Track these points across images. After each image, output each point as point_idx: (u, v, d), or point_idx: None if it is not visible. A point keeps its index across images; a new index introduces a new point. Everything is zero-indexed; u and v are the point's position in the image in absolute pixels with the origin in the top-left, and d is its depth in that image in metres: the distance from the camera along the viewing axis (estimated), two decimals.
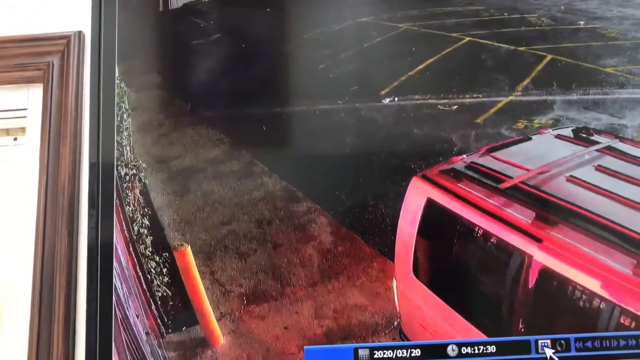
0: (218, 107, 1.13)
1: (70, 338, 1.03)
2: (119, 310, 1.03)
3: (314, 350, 1.00)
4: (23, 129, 1.20)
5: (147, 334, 1.05)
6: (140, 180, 1.09)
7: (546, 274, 0.90)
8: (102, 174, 1.07)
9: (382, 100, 1.11)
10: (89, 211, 1.06)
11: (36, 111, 1.16)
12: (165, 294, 1.05)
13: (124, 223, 1.07)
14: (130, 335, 1.04)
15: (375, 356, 0.99)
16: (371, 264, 1.04)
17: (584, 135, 1.09)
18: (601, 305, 0.87)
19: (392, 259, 1.04)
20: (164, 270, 1.06)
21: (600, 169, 1.03)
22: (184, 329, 1.04)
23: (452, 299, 1.00)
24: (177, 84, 1.16)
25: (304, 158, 1.10)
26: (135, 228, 1.07)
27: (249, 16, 1.19)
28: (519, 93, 1.11)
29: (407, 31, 1.16)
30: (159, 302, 1.05)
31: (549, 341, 0.97)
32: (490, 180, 1.02)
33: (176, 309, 1.05)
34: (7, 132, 1.25)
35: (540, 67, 1.13)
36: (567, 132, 1.10)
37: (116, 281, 1.03)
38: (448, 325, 1.00)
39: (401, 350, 0.99)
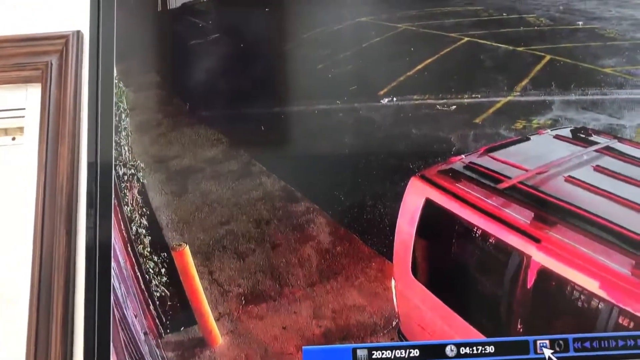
0: (216, 107, 1.13)
1: (68, 338, 1.03)
2: (117, 310, 1.03)
3: (313, 350, 1.00)
4: (21, 129, 1.20)
5: (145, 334, 1.05)
6: (138, 180, 1.09)
7: (545, 274, 0.90)
8: (101, 173, 1.07)
9: (381, 101, 1.11)
10: (87, 211, 1.06)
11: (34, 111, 1.16)
12: (163, 294, 1.05)
13: (122, 223, 1.07)
14: (128, 336, 1.04)
15: (374, 356, 0.99)
16: (370, 264, 1.04)
17: (583, 136, 1.09)
18: (599, 306, 0.87)
19: (391, 259, 1.04)
20: (163, 270, 1.05)
21: (599, 169, 1.03)
22: (182, 329, 1.04)
23: (450, 299, 1.00)
24: (176, 83, 1.16)
25: (302, 158, 1.10)
26: (134, 228, 1.07)
27: (247, 16, 1.19)
28: (518, 93, 1.11)
29: (405, 31, 1.16)
30: (158, 302, 1.05)
31: (547, 341, 0.97)
32: (488, 180, 1.02)
33: (174, 309, 1.04)
34: (6, 131, 1.25)
35: (538, 67, 1.13)
36: (566, 132, 1.10)
37: (114, 281, 1.03)
38: (447, 325, 1.00)
39: (400, 350, 0.99)
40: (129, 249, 1.07)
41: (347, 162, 1.08)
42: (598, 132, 1.09)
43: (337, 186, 1.07)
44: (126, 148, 1.09)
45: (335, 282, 1.03)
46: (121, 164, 1.08)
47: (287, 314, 1.03)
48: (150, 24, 1.18)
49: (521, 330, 0.96)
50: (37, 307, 1.03)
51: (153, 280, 1.05)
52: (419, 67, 1.14)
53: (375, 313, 1.02)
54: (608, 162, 1.04)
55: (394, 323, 1.02)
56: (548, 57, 1.14)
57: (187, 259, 1.05)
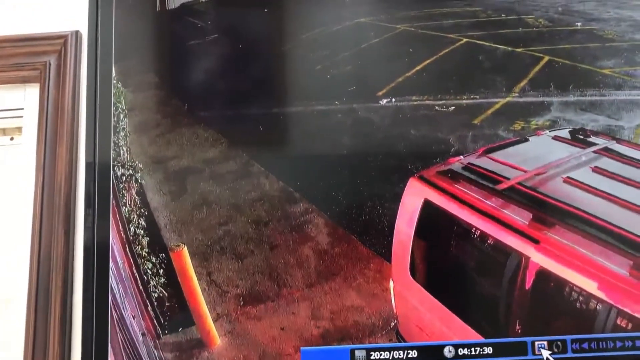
0: (215, 108, 1.13)
1: (66, 338, 1.03)
2: (115, 311, 1.03)
3: (311, 351, 1.00)
4: (19, 129, 1.20)
5: (143, 334, 1.05)
6: (136, 180, 1.09)
7: (543, 275, 0.90)
8: (99, 174, 1.07)
9: (380, 101, 1.11)
10: (85, 211, 1.06)
11: (33, 111, 1.15)
12: (161, 294, 1.05)
13: (120, 223, 1.07)
14: (126, 336, 1.04)
15: (372, 357, 0.99)
16: (368, 265, 1.04)
17: (581, 137, 1.09)
18: (598, 307, 0.87)
19: (389, 260, 1.04)
20: (161, 271, 1.05)
21: (597, 170, 1.03)
22: (180, 330, 1.04)
23: (449, 300, 1.00)
24: (174, 84, 1.15)
25: (301, 159, 1.10)
26: (132, 228, 1.07)
27: (246, 16, 1.19)
28: (516, 94, 1.11)
29: (404, 32, 1.16)
30: (156, 303, 1.05)
31: (545, 342, 0.97)
32: (487, 181, 1.02)
33: (172, 310, 1.04)
34: (4, 131, 1.25)
35: (537, 68, 1.13)
36: (564, 133, 1.10)
37: (112, 282, 1.03)
38: (445, 326, 1.00)
39: (398, 351, 0.99)
40: (127, 249, 1.07)
41: (345, 162, 1.08)
42: (596, 133, 1.10)
43: (336, 187, 1.07)
44: (124, 148, 1.09)
45: (333, 283, 1.03)
46: (119, 164, 1.08)
47: (285, 315, 1.02)
48: (148, 24, 1.17)
49: (519, 331, 0.96)
50: (35, 307, 1.03)
51: (151, 281, 1.05)
52: (418, 68, 1.14)
53: (373, 314, 1.02)
54: (606, 163, 1.05)
55: (392, 324, 1.02)
56: (547, 58, 1.14)
57: (185, 260, 1.05)
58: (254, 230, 1.06)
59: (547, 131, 1.10)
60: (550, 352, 0.97)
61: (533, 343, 0.97)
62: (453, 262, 1.01)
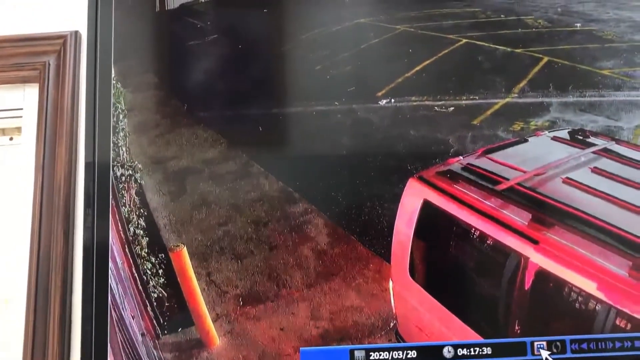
0: (215, 108, 1.13)
1: (65, 339, 1.03)
2: (115, 311, 1.03)
3: (310, 351, 1.00)
4: (19, 129, 1.20)
5: (142, 335, 1.04)
6: (136, 180, 1.08)
7: (542, 275, 0.90)
8: (98, 174, 1.07)
9: (379, 102, 1.11)
10: (84, 211, 1.06)
11: (32, 111, 1.15)
12: (161, 295, 1.05)
13: (119, 224, 1.07)
14: (125, 336, 1.04)
15: (371, 357, 0.99)
16: (367, 266, 1.04)
17: (580, 137, 1.09)
18: (597, 307, 0.87)
19: (389, 260, 1.04)
20: (160, 271, 1.05)
21: (597, 171, 1.03)
22: (179, 330, 1.04)
23: (448, 300, 1.00)
24: (174, 84, 1.15)
25: (300, 159, 1.10)
26: (131, 229, 1.07)
27: (246, 17, 1.19)
28: (516, 95, 1.11)
29: (404, 33, 1.16)
30: (155, 303, 1.05)
31: (544, 343, 0.97)
32: (486, 181, 1.02)
33: (172, 310, 1.04)
34: (3, 131, 1.25)
35: (536, 69, 1.13)
36: (564, 134, 1.10)
37: (112, 282, 1.03)
38: (444, 326, 1.00)
39: (397, 351, 0.99)
40: (127, 249, 1.06)
41: (345, 163, 1.08)
42: (596, 134, 1.10)
43: (335, 187, 1.07)
44: (124, 149, 1.09)
45: (333, 283, 1.03)
46: (119, 164, 1.08)
47: (284, 315, 1.02)
48: (148, 24, 1.17)
49: (519, 331, 0.96)
50: (35, 307, 1.03)
51: (150, 281, 1.05)
52: (417, 68, 1.14)
53: (372, 314, 1.02)
54: (606, 163, 1.05)
55: (392, 324, 1.02)
56: (546, 59, 1.14)
57: (185, 260, 1.05)
58: (253, 231, 1.06)
59: (547, 132, 1.10)
60: (549, 353, 0.97)
61: (532, 343, 0.97)
62: (452, 263, 1.02)
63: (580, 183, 1.00)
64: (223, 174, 1.09)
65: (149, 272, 1.05)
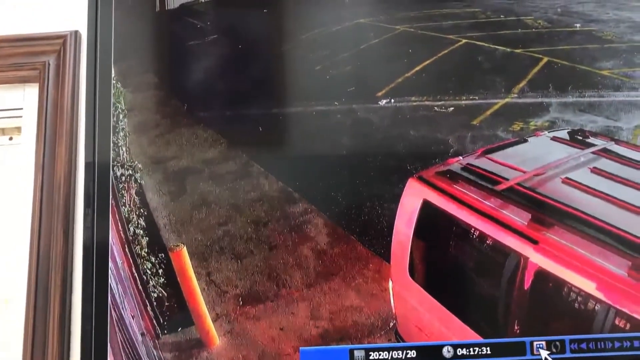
0: (215, 108, 1.13)
1: (65, 338, 1.03)
2: (115, 310, 1.03)
3: (310, 351, 1.00)
4: (19, 129, 1.20)
5: (142, 334, 1.04)
6: (136, 180, 1.09)
7: (542, 275, 0.90)
8: (98, 174, 1.07)
9: (379, 102, 1.11)
10: (84, 211, 1.06)
11: (32, 111, 1.15)
12: (161, 294, 1.05)
13: (119, 223, 1.07)
14: (125, 336, 1.04)
15: (371, 357, 0.99)
16: (367, 265, 1.04)
17: (580, 138, 1.09)
18: (596, 307, 0.87)
19: (388, 260, 1.04)
20: (160, 271, 1.05)
21: (596, 171, 1.04)
22: (179, 330, 1.04)
23: (447, 300, 1.00)
24: (174, 84, 1.15)
25: (300, 159, 1.10)
26: (131, 228, 1.07)
27: (246, 17, 1.19)
28: (515, 95, 1.12)
29: (403, 33, 1.16)
30: (155, 303, 1.05)
31: (544, 342, 0.97)
32: (486, 181, 1.02)
33: (172, 310, 1.04)
34: (3, 131, 1.25)
35: (536, 69, 1.14)
36: (563, 134, 1.10)
37: (112, 282, 1.03)
38: (444, 326, 1.00)
39: (397, 351, 0.99)
40: (127, 249, 1.07)
41: (345, 163, 1.08)
42: (595, 134, 1.10)
43: (335, 187, 1.07)
44: (124, 149, 1.09)
45: (332, 283, 1.03)
46: (119, 164, 1.08)
47: (284, 315, 1.03)
48: (148, 24, 1.17)
49: (518, 331, 0.96)
50: (34, 306, 1.03)
51: (150, 281, 1.05)
52: (417, 68, 1.14)
53: (372, 314, 1.02)
54: (605, 164, 1.05)
55: (391, 324, 1.02)
56: (545, 59, 1.14)
57: (185, 260, 1.05)
58: (253, 231, 1.06)
59: (546, 132, 1.10)
60: (548, 352, 0.97)
61: (532, 343, 0.97)
62: (452, 263, 1.02)
63: (580, 183, 1.00)
64: (223, 174, 1.09)
65: (149, 272, 1.05)
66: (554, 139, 1.10)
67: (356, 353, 0.99)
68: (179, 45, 1.17)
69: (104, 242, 1.04)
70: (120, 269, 1.06)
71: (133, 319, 1.05)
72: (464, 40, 1.17)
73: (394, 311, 1.03)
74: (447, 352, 0.99)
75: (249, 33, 1.18)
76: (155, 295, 1.05)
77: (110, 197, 1.06)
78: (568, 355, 0.97)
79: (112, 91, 1.11)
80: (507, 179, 1.02)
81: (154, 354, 1.03)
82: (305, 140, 1.11)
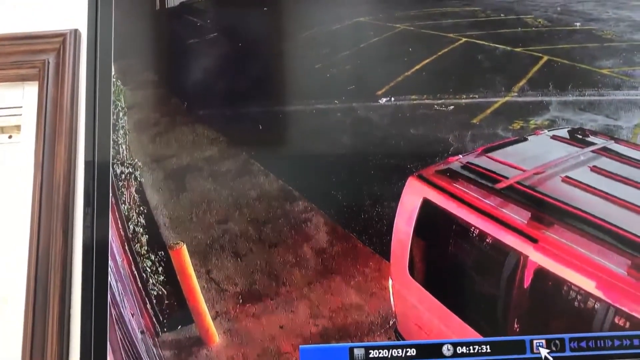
0: (214, 106, 1.13)
1: (64, 337, 1.03)
2: (114, 308, 1.03)
3: (310, 349, 1.00)
4: (18, 127, 1.20)
5: (142, 332, 1.04)
6: (136, 178, 1.08)
7: (541, 274, 0.90)
8: (98, 172, 1.07)
9: (379, 100, 1.11)
10: (84, 209, 1.06)
11: (31, 109, 1.15)
12: (160, 292, 1.05)
13: (119, 222, 1.07)
14: (125, 334, 1.04)
15: (371, 355, 0.99)
16: (367, 264, 1.04)
17: (580, 136, 1.10)
18: (596, 306, 0.87)
19: (388, 258, 1.04)
20: (160, 269, 1.05)
21: (596, 169, 1.04)
22: (179, 327, 1.04)
23: (447, 298, 1.00)
24: (174, 82, 1.15)
25: (300, 157, 1.10)
26: (131, 227, 1.07)
27: (245, 15, 1.19)
28: (515, 94, 1.12)
29: (403, 31, 1.17)
30: (155, 301, 1.05)
31: (543, 341, 0.97)
32: (486, 180, 1.02)
33: (171, 308, 1.04)
34: (2, 130, 1.25)
35: (536, 68, 1.14)
36: (563, 133, 1.10)
37: (111, 280, 1.03)
38: (443, 324, 1.00)
39: (396, 349, 0.99)
40: (126, 247, 1.06)
41: (344, 161, 1.08)
42: (595, 133, 1.10)
43: (335, 186, 1.07)
44: (124, 147, 1.09)
45: (332, 282, 1.03)
46: (119, 162, 1.08)
47: (284, 313, 1.03)
48: (148, 22, 1.17)
49: (518, 329, 0.97)
50: (34, 305, 1.03)
51: (150, 279, 1.05)
52: (417, 67, 1.14)
53: (372, 312, 1.02)
54: (605, 162, 1.05)
55: (391, 322, 1.03)
56: (545, 58, 1.14)
57: (185, 258, 1.05)
58: (253, 229, 1.06)
59: (546, 131, 1.10)
60: (548, 351, 0.97)
61: (531, 342, 0.97)
62: (452, 261, 1.02)
63: (580, 182, 1.00)
64: (223, 172, 1.09)
65: (149, 270, 1.05)
66: (554, 137, 1.10)
67: (356, 351, 0.99)
68: (179, 43, 1.17)
69: (104, 240, 1.04)
70: (120, 267, 1.05)
71: (133, 317, 1.05)
72: (464, 39, 1.17)
73: (393, 309, 1.03)
74: (446, 350, 0.99)
75: (249, 31, 1.18)
76: (155, 293, 1.05)
77: (110, 195, 1.06)
78: (568, 353, 0.97)
79: (112, 89, 1.11)
80: (507, 178, 1.02)
81: (153, 352, 1.03)
82: (305, 139, 1.11)
